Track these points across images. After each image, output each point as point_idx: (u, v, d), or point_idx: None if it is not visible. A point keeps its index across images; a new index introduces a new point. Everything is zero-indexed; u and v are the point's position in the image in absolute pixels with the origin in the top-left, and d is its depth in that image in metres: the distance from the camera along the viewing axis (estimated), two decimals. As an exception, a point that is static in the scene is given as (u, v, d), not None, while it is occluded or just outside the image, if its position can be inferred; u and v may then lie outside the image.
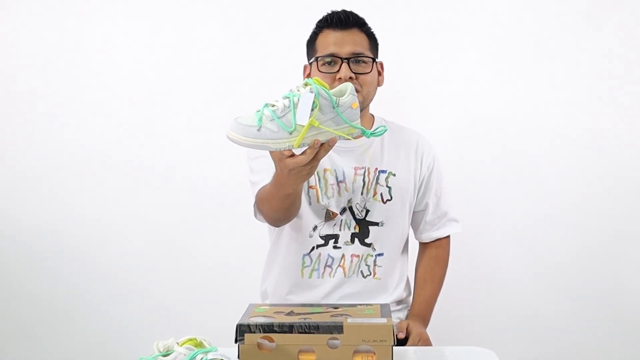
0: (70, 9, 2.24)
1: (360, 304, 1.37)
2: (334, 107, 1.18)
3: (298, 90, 1.18)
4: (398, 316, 1.64)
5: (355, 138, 1.22)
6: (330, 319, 1.22)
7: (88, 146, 2.26)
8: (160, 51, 2.25)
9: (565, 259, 2.22)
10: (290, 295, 1.59)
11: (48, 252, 2.28)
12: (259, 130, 1.15)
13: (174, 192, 2.26)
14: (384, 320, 1.19)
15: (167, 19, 2.24)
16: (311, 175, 1.28)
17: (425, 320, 1.66)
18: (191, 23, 2.24)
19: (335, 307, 1.35)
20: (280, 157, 1.21)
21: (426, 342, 1.57)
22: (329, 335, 1.16)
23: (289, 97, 1.17)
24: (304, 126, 1.15)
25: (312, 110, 1.15)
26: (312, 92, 1.16)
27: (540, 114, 2.20)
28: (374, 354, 1.16)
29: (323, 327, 1.16)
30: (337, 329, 1.16)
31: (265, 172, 1.47)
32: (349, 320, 1.20)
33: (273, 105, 1.17)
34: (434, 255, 1.73)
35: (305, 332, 1.16)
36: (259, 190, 1.50)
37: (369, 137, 1.23)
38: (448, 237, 1.74)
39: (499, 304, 2.24)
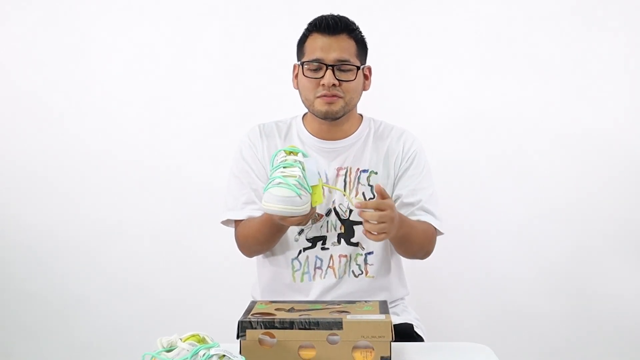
0: (77, 14, 2.24)
1: (359, 301, 1.37)
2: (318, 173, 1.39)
3: (285, 159, 1.36)
4: (394, 311, 1.62)
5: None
6: (330, 315, 1.21)
7: (93, 147, 2.26)
8: (166, 54, 2.25)
9: (560, 258, 2.22)
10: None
11: (54, 251, 2.28)
12: (301, 198, 1.30)
13: (177, 192, 2.26)
14: (382, 317, 1.19)
15: (170, 24, 2.24)
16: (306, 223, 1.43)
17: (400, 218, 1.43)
18: (193, 27, 2.24)
19: (336, 303, 1.34)
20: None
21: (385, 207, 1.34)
22: (329, 332, 1.16)
23: (297, 166, 1.34)
24: (316, 186, 1.36)
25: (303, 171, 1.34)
26: (306, 156, 1.38)
27: (535, 115, 2.20)
28: (373, 349, 1.16)
29: (323, 323, 1.16)
30: (337, 325, 1.16)
31: (242, 202, 1.58)
32: (349, 316, 1.19)
33: (287, 175, 1.32)
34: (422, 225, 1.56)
35: (305, 329, 1.16)
36: (242, 226, 1.58)
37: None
38: (433, 227, 1.57)
39: (494, 301, 2.24)
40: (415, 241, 1.54)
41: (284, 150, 1.39)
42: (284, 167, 1.34)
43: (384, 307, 1.29)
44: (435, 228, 1.58)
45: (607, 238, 2.20)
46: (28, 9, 2.24)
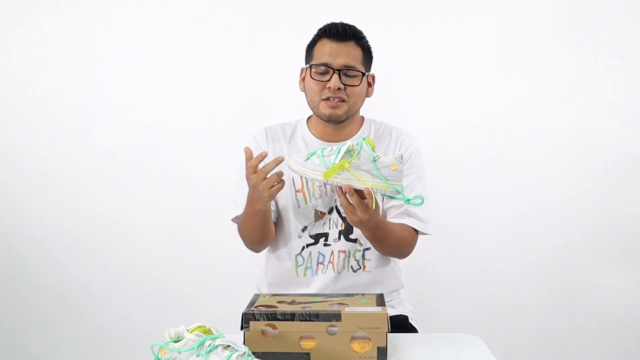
0: (90, 23, 2.26)
1: (357, 294, 1.38)
2: (372, 161, 1.27)
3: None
4: (390, 304, 1.63)
5: (388, 196, 1.29)
6: (329, 307, 1.23)
7: (104, 147, 2.27)
8: (174, 59, 2.26)
9: (548, 253, 2.24)
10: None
11: (67, 247, 2.30)
12: (305, 160, 1.30)
13: (185, 191, 2.27)
14: (379, 309, 1.20)
15: (179, 30, 2.25)
16: (271, 198, 1.39)
17: (378, 220, 1.43)
18: (201, 33, 2.24)
19: (334, 296, 1.36)
20: (248, 174, 1.36)
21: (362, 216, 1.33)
22: (328, 323, 1.17)
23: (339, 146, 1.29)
24: (337, 164, 1.27)
25: (346, 153, 1.27)
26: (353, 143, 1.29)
27: (525, 117, 2.20)
28: (370, 340, 1.17)
29: (322, 315, 1.18)
30: (336, 317, 1.17)
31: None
32: (347, 309, 1.21)
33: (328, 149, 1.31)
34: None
35: (306, 320, 1.17)
36: (239, 219, 1.57)
37: (406, 202, 1.29)
38: (414, 231, 1.58)
39: (486, 295, 2.26)
40: (388, 244, 1.53)
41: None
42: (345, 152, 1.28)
43: (380, 300, 1.30)
44: (417, 230, 1.58)
45: (593, 235, 2.22)
46: (42, 17, 2.25)
